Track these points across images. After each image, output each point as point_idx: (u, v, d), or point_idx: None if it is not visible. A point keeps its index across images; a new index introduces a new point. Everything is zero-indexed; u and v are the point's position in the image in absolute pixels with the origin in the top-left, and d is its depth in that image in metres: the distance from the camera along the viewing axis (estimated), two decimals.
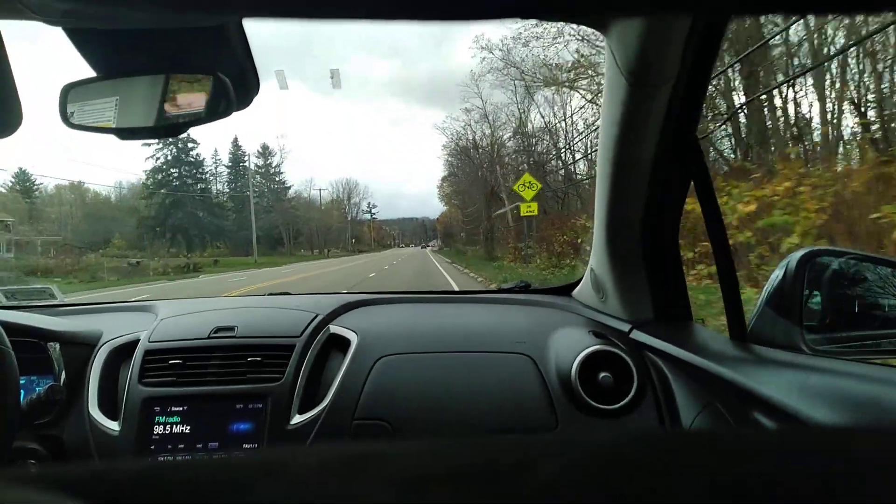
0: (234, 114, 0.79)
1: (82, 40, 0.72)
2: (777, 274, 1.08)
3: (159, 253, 41.79)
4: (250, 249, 48.52)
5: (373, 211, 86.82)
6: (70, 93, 0.81)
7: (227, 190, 55.63)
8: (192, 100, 0.78)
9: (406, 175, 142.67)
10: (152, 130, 0.80)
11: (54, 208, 50.42)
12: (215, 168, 55.17)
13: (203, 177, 51.48)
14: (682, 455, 0.28)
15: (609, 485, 0.25)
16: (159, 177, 49.59)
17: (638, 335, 1.34)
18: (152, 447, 1.27)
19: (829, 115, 7.96)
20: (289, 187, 60.93)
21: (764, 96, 8.31)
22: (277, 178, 59.57)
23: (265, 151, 58.72)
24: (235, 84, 0.77)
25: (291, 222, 58.09)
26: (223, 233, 48.98)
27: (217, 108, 0.77)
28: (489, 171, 28.68)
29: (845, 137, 7.83)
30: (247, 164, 56.45)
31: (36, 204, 47.93)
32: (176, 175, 50.04)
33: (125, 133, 0.82)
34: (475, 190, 33.45)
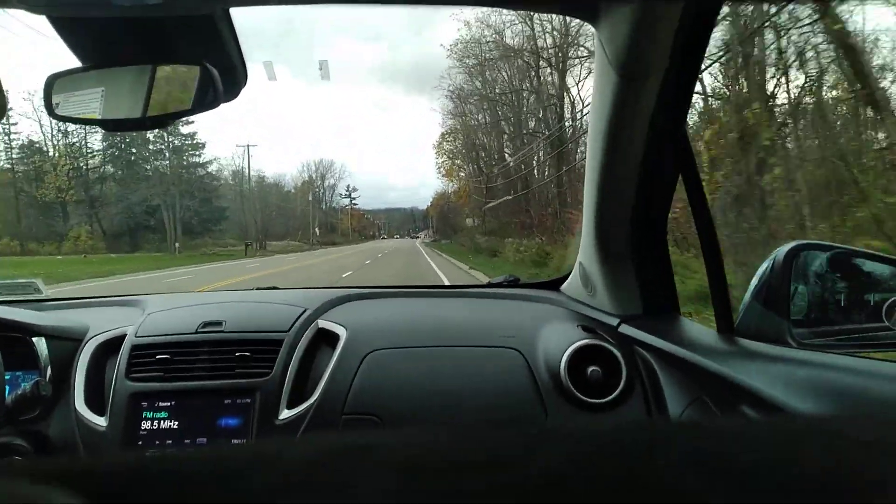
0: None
1: (68, 29, 0.71)
2: (764, 267, 1.09)
3: None
4: (115, 240, 32.79)
5: (353, 195, 72.51)
6: (55, 83, 0.80)
7: (104, 144, 35.47)
8: (180, 91, 0.77)
9: (394, 166, 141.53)
10: (139, 122, 0.80)
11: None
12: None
13: None
14: (677, 443, 0.28)
15: (605, 473, 0.25)
16: None
17: (626, 329, 1.35)
18: (140, 443, 1.26)
19: None
20: (200, 144, 39.27)
21: None
22: (185, 133, 38.38)
23: None
24: (223, 75, 0.76)
25: (197, 198, 37.91)
26: None
27: (204, 100, 0.76)
28: None
29: None
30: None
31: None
32: None
33: (111, 124, 0.82)
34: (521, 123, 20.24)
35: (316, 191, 59.89)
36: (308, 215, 55.18)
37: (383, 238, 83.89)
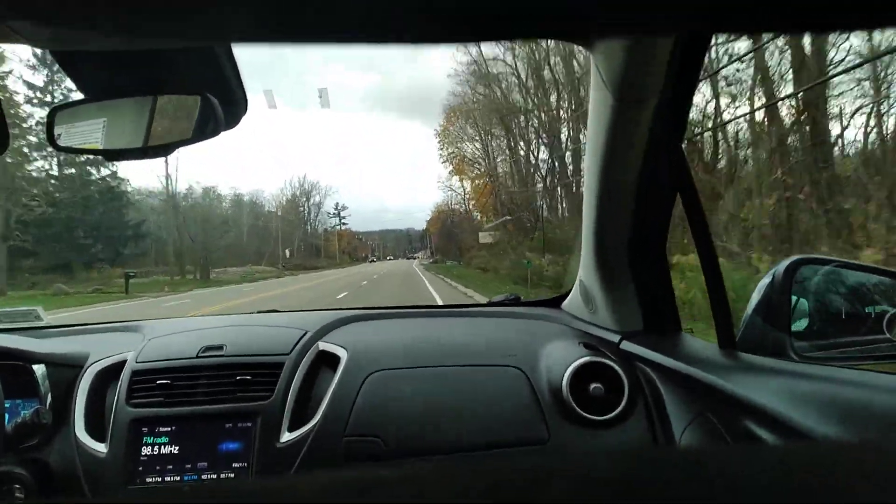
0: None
1: (70, 63, 0.72)
2: (765, 282, 1.09)
3: None
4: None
5: (343, 214, 63.85)
6: (57, 115, 0.81)
7: None
8: (181, 121, 0.78)
9: (389, 188, 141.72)
10: (140, 151, 0.80)
11: None
12: None
13: None
14: (692, 476, 0.28)
15: None
16: None
17: (628, 346, 1.35)
18: (140, 469, 1.25)
19: None
20: None
21: None
22: None
23: (45, 60, 24.68)
24: (224, 104, 0.77)
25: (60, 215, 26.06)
26: None
27: (205, 129, 0.77)
28: None
29: None
30: None
31: None
32: None
33: (113, 154, 0.82)
34: None
35: (300, 210, 52.41)
36: (290, 236, 47.74)
37: (372, 261, 69.42)
